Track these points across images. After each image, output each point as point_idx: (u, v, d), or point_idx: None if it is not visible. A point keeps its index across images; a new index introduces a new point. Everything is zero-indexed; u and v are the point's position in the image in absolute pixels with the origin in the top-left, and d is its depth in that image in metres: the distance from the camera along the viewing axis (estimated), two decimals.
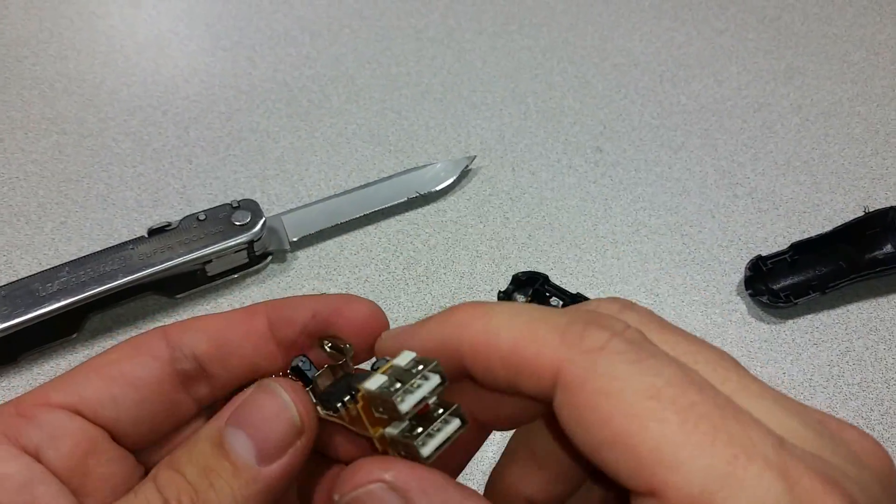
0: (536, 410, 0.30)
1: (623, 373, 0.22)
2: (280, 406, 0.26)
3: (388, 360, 0.25)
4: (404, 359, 0.25)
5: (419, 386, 0.24)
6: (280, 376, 0.29)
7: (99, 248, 0.48)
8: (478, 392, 0.29)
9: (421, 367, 0.25)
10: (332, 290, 0.51)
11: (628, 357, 0.22)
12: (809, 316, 0.51)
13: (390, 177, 0.56)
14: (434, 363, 0.25)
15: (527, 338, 0.24)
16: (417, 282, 0.52)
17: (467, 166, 0.57)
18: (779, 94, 0.63)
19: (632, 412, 0.21)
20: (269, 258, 0.52)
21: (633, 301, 0.26)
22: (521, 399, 0.29)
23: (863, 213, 0.52)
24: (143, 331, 0.32)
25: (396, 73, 0.64)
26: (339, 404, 0.26)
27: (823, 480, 0.21)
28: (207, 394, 0.29)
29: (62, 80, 0.62)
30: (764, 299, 0.50)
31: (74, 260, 0.47)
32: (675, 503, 0.21)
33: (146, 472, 0.29)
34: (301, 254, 0.53)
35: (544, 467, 0.31)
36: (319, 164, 0.58)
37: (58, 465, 0.25)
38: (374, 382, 0.24)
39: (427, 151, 0.58)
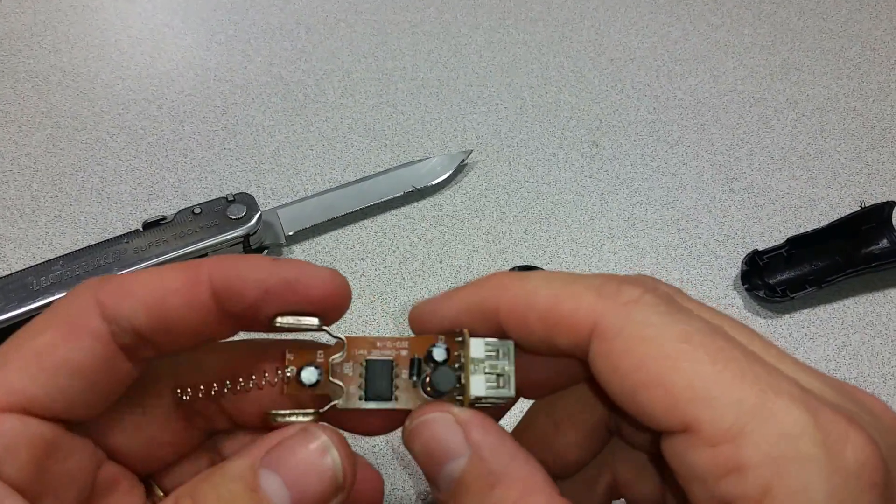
0: (565, 377, 0.31)
1: (656, 321, 0.23)
2: (325, 460, 0.25)
3: (451, 348, 0.27)
4: (478, 349, 0.27)
5: (508, 372, 0.27)
6: (315, 415, 0.27)
7: (93, 242, 0.48)
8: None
9: (497, 351, 0.27)
10: None
11: (661, 309, 0.24)
12: (806, 311, 0.51)
13: (386, 171, 0.56)
14: (510, 345, 0.27)
15: (564, 295, 0.25)
16: (414, 276, 0.52)
17: (463, 160, 0.56)
18: (775, 89, 0.63)
19: (666, 354, 0.23)
20: (265, 252, 0.52)
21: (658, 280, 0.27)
22: (551, 365, 0.30)
23: (859, 208, 0.52)
24: None
25: (392, 68, 0.64)
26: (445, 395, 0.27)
27: (845, 416, 0.22)
28: (153, 355, 0.27)
29: (56, 74, 0.61)
30: (760, 294, 0.50)
31: (69, 253, 0.47)
32: (708, 436, 0.22)
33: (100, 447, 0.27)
34: (297, 248, 0.53)
35: (562, 431, 0.32)
36: (315, 158, 0.57)
37: (17, 478, 0.23)
38: (479, 388, 0.26)
39: (423, 146, 0.58)
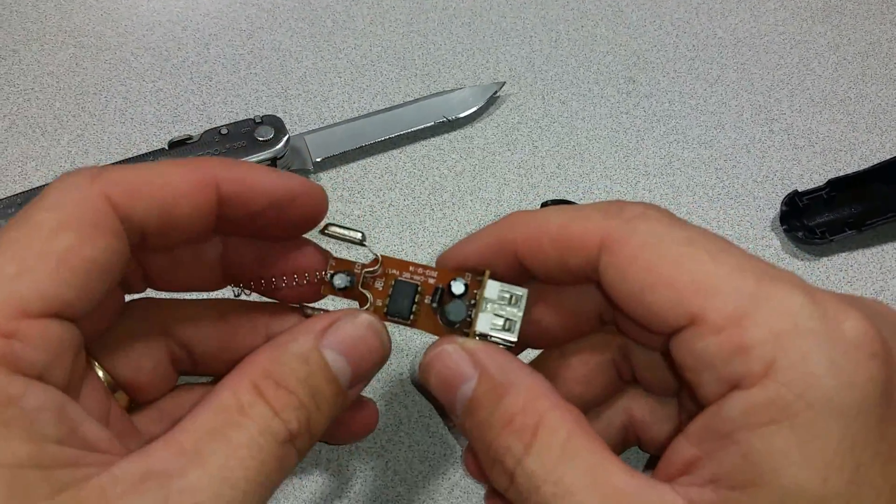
0: (576, 328, 0.32)
1: (660, 230, 0.25)
2: (380, 345, 0.28)
3: (468, 286, 0.30)
4: (493, 290, 0.29)
5: (515, 318, 0.29)
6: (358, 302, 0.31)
7: (117, 160, 0.47)
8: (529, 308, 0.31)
9: (511, 297, 0.29)
10: (356, 213, 0.50)
11: (663, 220, 0.26)
12: (844, 254, 0.50)
13: (416, 100, 0.54)
14: (524, 294, 0.29)
15: (573, 217, 0.27)
16: (443, 207, 0.50)
17: (496, 92, 0.55)
18: (816, 31, 0.61)
19: (669, 256, 0.24)
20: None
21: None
22: (564, 313, 0.31)
23: None
24: None
25: None
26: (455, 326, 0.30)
27: (843, 299, 0.23)
28: (142, 251, 0.28)
29: None
30: (799, 235, 0.49)
31: None
32: (713, 324, 0.23)
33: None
34: (324, 175, 0.52)
35: (572, 368, 0.33)
36: (343, 85, 0.56)
37: (62, 384, 0.23)
38: (484, 325, 0.29)
39: (454, 77, 0.57)
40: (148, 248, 0.27)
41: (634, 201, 0.27)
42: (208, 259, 0.31)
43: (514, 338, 0.29)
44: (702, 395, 0.24)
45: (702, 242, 0.25)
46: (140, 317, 0.31)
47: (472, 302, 0.30)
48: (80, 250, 0.23)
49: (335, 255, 0.32)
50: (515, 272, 0.29)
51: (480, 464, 0.29)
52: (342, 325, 0.27)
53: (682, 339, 0.24)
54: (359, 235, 0.31)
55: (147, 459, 0.22)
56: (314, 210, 0.29)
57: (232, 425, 0.23)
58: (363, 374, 0.28)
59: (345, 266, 0.31)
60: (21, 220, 0.24)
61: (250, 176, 0.27)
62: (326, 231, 0.30)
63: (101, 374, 0.29)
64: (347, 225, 0.31)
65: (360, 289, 0.31)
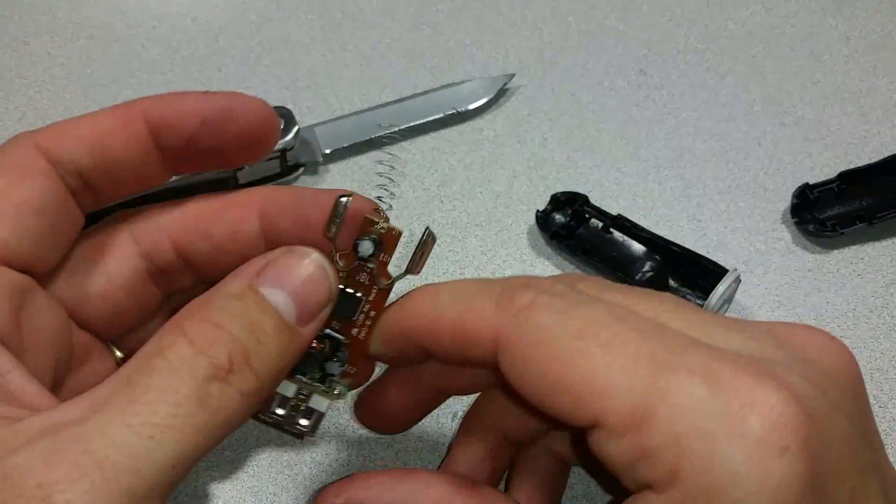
0: (488, 379, 0.31)
1: (550, 322, 0.24)
2: (321, 272, 0.26)
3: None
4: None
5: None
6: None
7: None
8: (439, 365, 0.31)
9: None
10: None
11: (555, 308, 0.24)
12: (855, 247, 0.50)
13: (425, 92, 0.54)
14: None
15: (467, 312, 0.26)
16: (452, 199, 0.50)
17: (505, 84, 0.55)
18: (827, 24, 0.61)
19: (562, 355, 0.23)
20: (301, 170, 0.51)
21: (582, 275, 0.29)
22: (474, 369, 0.31)
23: None
24: None
25: None
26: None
27: (754, 373, 0.21)
28: (93, 204, 0.28)
29: None
30: (810, 228, 0.49)
31: None
32: (613, 426, 0.22)
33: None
34: (333, 167, 0.52)
35: (499, 427, 0.33)
36: (352, 77, 0.56)
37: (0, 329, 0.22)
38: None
39: (464, 69, 0.57)
40: (96, 196, 0.27)
41: (530, 281, 0.26)
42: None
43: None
44: (623, 483, 0.24)
45: (593, 332, 0.23)
46: (105, 231, 0.29)
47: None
48: (11, 192, 0.24)
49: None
50: (424, 354, 0.28)
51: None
52: (279, 261, 0.26)
53: (591, 438, 0.23)
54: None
55: (54, 414, 0.21)
56: (259, 125, 0.28)
57: (145, 370, 0.22)
58: (312, 308, 0.26)
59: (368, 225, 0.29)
60: None
61: (173, 99, 0.26)
62: (342, 201, 0.29)
63: (118, 353, 0.29)
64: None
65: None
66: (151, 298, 0.30)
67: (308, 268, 0.26)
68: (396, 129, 0.52)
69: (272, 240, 0.29)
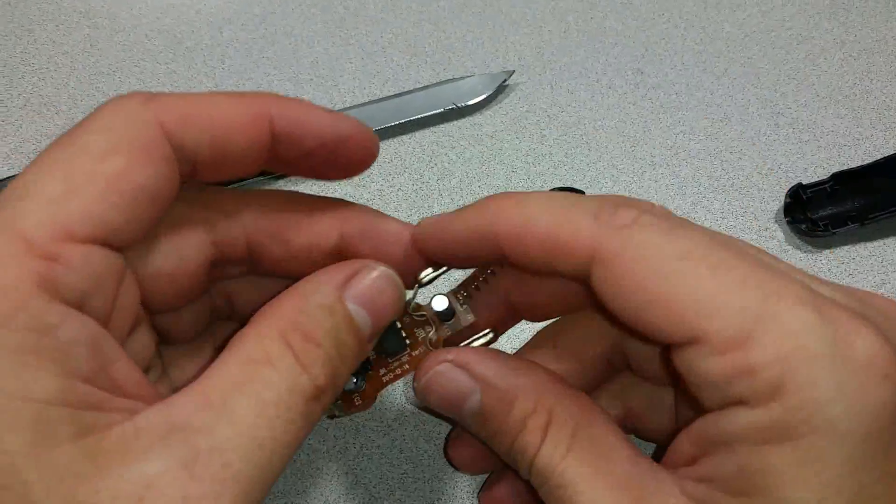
0: (566, 302, 0.31)
1: (655, 240, 0.24)
2: (397, 296, 0.27)
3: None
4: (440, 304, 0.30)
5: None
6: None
7: None
8: (517, 280, 0.31)
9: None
10: (366, 197, 0.51)
11: (658, 228, 0.24)
12: (846, 247, 0.50)
13: (426, 87, 0.55)
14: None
15: (562, 221, 0.25)
16: (451, 193, 0.51)
17: (504, 81, 0.56)
18: (822, 28, 0.62)
19: (667, 272, 0.23)
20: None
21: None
22: (552, 288, 0.31)
23: None
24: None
25: None
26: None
27: (854, 315, 0.23)
28: (190, 182, 0.26)
29: None
30: (802, 227, 0.50)
31: None
32: (715, 346, 0.22)
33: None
34: None
35: (564, 361, 0.33)
36: (354, 71, 0.56)
37: (102, 312, 0.22)
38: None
39: (464, 65, 0.57)
40: (200, 177, 0.26)
41: (630, 201, 0.26)
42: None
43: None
44: (702, 403, 0.24)
45: (701, 254, 0.23)
46: (182, 211, 0.28)
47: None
48: (130, 175, 0.22)
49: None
50: (497, 259, 0.28)
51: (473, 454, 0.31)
52: (363, 276, 0.26)
53: (683, 355, 0.24)
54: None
55: (171, 410, 0.21)
56: (365, 153, 0.28)
57: (260, 380, 0.22)
58: (382, 326, 0.27)
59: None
60: (67, 141, 0.22)
61: (305, 115, 0.26)
62: (421, 283, 0.30)
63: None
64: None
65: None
66: (203, 284, 0.29)
67: (389, 291, 0.27)
68: (397, 122, 0.53)
69: (344, 257, 0.29)
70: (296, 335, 0.24)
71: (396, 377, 0.30)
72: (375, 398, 0.31)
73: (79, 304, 0.21)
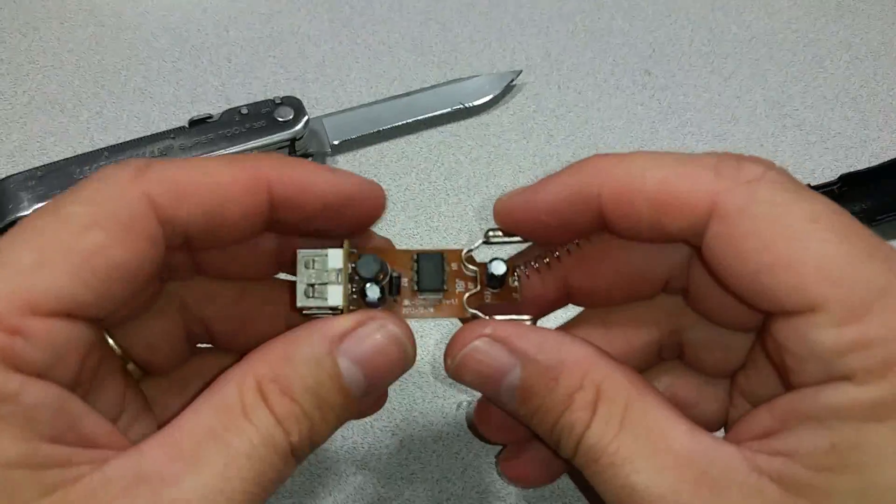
0: (638, 287, 0.30)
1: (783, 199, 0.22)
2: (402, 357, 0.26)
3: None
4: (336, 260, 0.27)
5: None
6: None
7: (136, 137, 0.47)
8: (585, 261, 0.29)
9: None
10: None
11: (786, 186, 0.23)
12: None
13: (433, 87, 0.55)
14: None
15: (678, 174, 0.24)
16: (458, 193, 0.51)
17: (512, 81, 0.55)
18: (829, 30, 0.62)
19: (795, 234, 0.22)
20: (310, 160, 0.51)
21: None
22: (627, 269, 0.29)
23: None
24: None
25: None
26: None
27: None
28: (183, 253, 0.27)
29: None
30: None
31: (115, 145, 0.46)
32: (835, 315, 0.21)
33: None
34: (341, 158, 0.52)
35: (614, 343, 0.31)
36: (361, 70, 0.56)
37: (67, 380, 0.22)
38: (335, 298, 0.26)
39: (471, 65, 0.57)
40: (191, 248, 0.26)
41: (752, 157, 0.24)
42: (263, 250, 0.29)
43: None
44: (798, 378, 0.23)
45: (829, 219, 0.22)
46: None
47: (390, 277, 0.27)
48: (108, 252, 0.22)
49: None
50: (590, 227, 0.26)
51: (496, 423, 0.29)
52: (364, 332, 0.25)
53: (792, 325, 0.22)
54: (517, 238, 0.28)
55: (141, 459, 0.21)
56: (371, 212, 0.27)
57: (233, 429, 0.22)
58: (379, 386, 0.26)
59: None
60: (51, 210, 0.22)
61: (305, 178, 0.25)
62: (489, 237, 0.29)
63: (112, 344, 0.28)
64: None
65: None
66: (156, 290, 0.29)
67: (392, 351, 0.25)
68: (404, 122, 0.53)
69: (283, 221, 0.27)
70: (272, 387, 0.23)
71: (417, 315, 0.28)
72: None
73: (40, 374, 0.21)
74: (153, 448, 0.22)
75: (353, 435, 0.41)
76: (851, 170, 0.52)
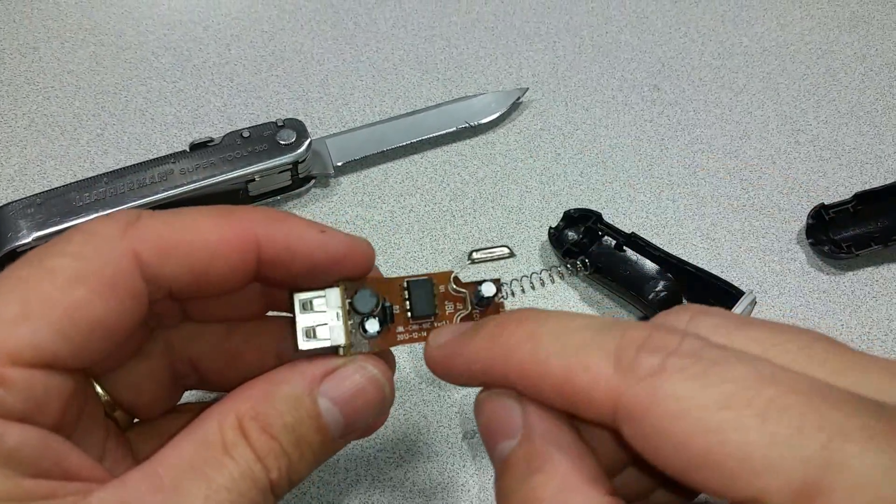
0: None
1: (687, 391, 0.21)
2: (381, 399, 0.26)
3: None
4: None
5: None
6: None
7: (137, 161, 0.46)
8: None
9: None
10: (377, 218, 0.49)
11: (690, 372, 0.21)
12: (870, 268, 0.49)
13: (438, 105, 0.54)
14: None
15: (578, 368, 0.22)
16: (464, 214, 0.50)
17: (518, 98, 0.54)
18: (842, 42, 0.61)
19: (708, 429, 0.20)
20: (313, 182, 0.50)
21: (705, 307, 0.24)
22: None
23: None
24: None
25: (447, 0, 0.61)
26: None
27: None
28: (168, 304, 0.27)
29: None
30: (825, 249, 0.48)
31: (114, 170, 0.46)
32: (785, 500, 0.19)
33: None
34: (344, 179, 0.51)
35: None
36: (365, 88, 0.55)
37: (48, 424, 0.23)
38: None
39: (477, 82, 0.56)
40: (176, 299, 0.26)
41: (654, 339, 0.22)
42: (251, 294, 0.29)
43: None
44: None
45: (745, 398, 0.20)
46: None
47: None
48: (90, 307, 0.22)
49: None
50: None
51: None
52: (344, 373, 0.26)
53: None
54: (506, 251, 0.30)
55: (124, 490, 0.22)
56: (358, 270, 0.27)
57: (213, 464, 0.22)
58: (358, 426, 0.26)
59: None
60: (37, 260, 0.23)
61: (294, 239, 0.25)
62: (473, 259, 0.30)
63: (99, 390, 0.28)
64: (488, 245, 0.30)
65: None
66: (142, 338, 0.29)
67: (370, 392, 0.26)
68: (408, 141, 0.52)
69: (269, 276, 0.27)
70: (252, 424, 0.24)
71: (411, 340, 0.29)
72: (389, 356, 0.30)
73: (21, 420, 0.21)
74: (135, 480, 0.22)
75: (356, 467, 0.41)
76: (867, 187, 0.50)
